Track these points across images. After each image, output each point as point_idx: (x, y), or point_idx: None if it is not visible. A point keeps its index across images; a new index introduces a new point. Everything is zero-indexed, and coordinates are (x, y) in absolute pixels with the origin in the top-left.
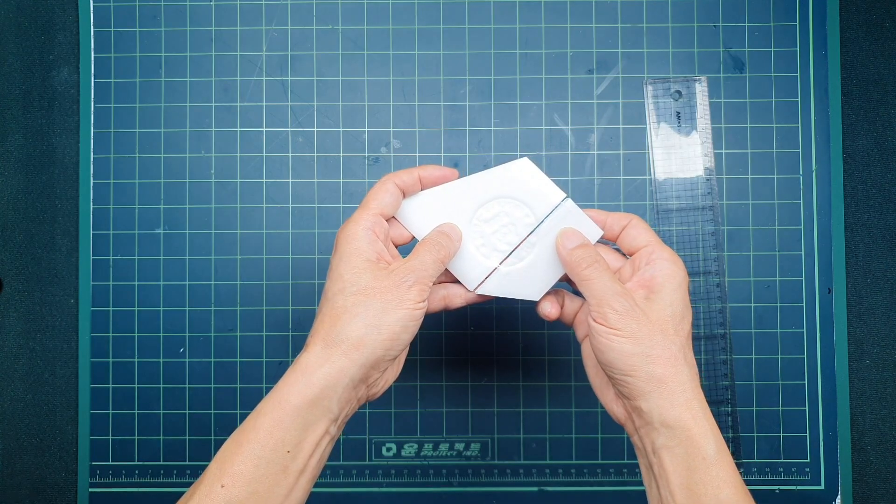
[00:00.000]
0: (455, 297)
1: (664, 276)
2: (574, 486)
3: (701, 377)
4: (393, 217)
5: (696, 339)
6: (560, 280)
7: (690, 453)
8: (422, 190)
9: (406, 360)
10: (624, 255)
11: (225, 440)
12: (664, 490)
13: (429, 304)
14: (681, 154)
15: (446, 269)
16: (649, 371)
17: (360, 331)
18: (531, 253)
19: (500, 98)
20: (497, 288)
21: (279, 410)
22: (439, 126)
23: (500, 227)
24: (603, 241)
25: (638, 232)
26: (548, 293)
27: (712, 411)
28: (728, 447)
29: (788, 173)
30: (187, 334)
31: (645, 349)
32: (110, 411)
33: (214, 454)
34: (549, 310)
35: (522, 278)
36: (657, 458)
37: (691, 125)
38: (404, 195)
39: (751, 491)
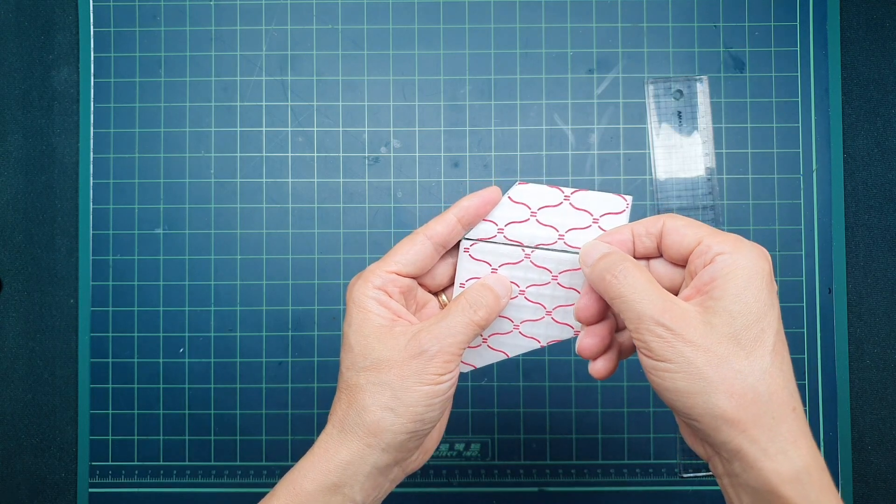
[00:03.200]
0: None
1: (727, 270)
2: (574, 487)
3: None
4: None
5: None
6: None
7: None
8: (464, 233)
9: None
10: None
11: (224, 441)
12: None
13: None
14: (682, 154)
15: None
16: (715, 412)
17: (375, 415)
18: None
19: (500, 98)
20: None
21: (293, 496)
22: (439, 126)
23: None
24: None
25: (680, 233)
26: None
27: None
28: None
29: (789, 173)
30: (187, 334)
31: (706, 386)
32: (110, 411)
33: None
34: (599, 367)
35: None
36: None
37: (692, 125)
38: (444, 248)
39: None
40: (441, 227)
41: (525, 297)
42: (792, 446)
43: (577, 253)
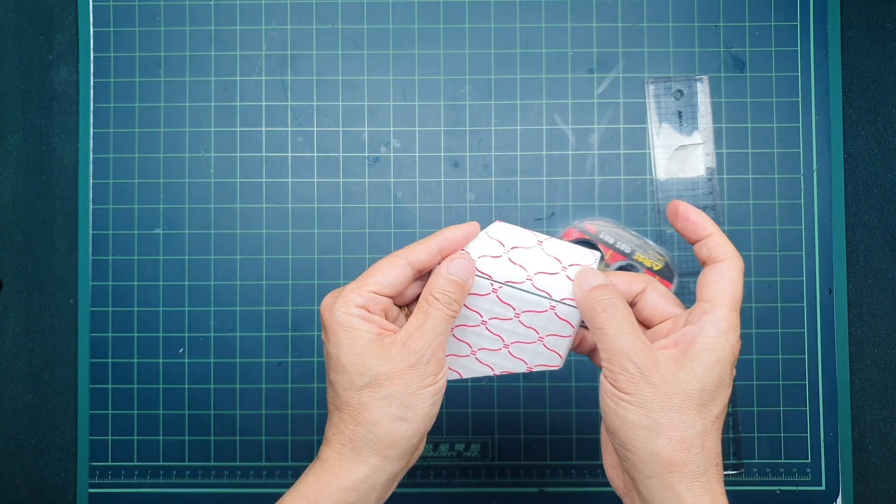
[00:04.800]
0: None
1: (707, 342)
2: (574, 487)
3: None
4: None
5: None
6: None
7: None
8: (442, 261)
9: None
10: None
11: (224, 441)
12: None
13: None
14: (682, 153)
15: None
16: (653, 451)
17: (388, 427)
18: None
19: (500, 98)
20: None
21: None
22: (439, 126)
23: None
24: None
25: (726, 281)
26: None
27: None
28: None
29: (789, 173)
30: (186, 334)
31: (653, 423)
32: (109, 412)
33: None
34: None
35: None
36: None
37: (693, 125)
38: (420, 274)
39: (752, 492)
40: (423, 254)
41: (486, 328)
42: (708, 493)
43: (542, 296)
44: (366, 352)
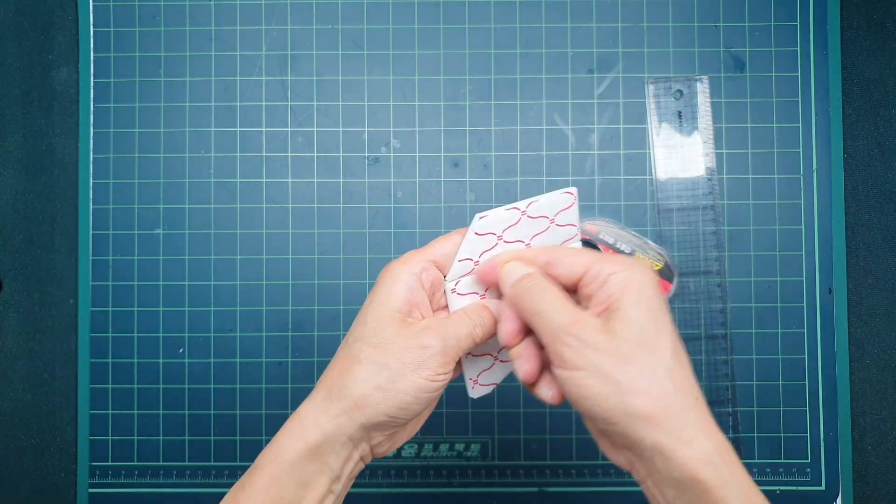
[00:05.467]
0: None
1: (621, 285)
2: (574, 487)
3: (701, 377)
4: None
5: (696, 339)
6: None
7: None
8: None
9: None
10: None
11: (224, 441)
12: None
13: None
14: (682, 154)
15: None
16: (630, 411)
17: (366, 389)
18: None
19: (500, 98)
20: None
21: (275, 465)
22: (439, 126)
23: None
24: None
25: (566, 262)
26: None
27: (713, 412)
28: (756, 489)
29: (789, 173)
30: (187, 334)
31: (616, 386)
32: (110, 412)
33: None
34: (547, 394)
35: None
36: None
37: (693, 125)
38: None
39: None
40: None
41: None
42: (701, 433)
43: None
44: (388, 316)
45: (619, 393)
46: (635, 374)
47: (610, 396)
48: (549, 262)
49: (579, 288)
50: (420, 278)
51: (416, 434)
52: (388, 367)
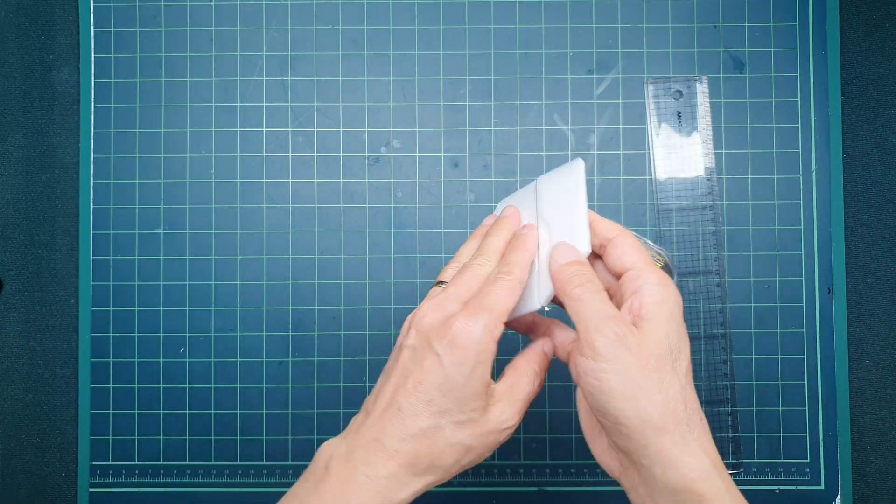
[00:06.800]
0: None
1: (654, 302)
2: (574, 486)
3: (701, 377)
4: None
5: (696, 339)
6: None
7: None
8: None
9: None
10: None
11: (224, 441)
12: None
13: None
14: (681, 154)
15: None
16: (643, 417)
17: (454, 467)
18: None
19: (500, 98)
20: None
21: None
22: (439, 126)
23: None
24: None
25: (624, 251)
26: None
27: (712, 411)
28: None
29: (788, 173)
30: (187, 334)
31: (636, 389)
32: (110, 411)
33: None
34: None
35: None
36: None
37: (692, 125)
38: None
39: (751, 491)
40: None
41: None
42: (701, 449)
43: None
44: (479, 392)
45: (636, 396)
46: (656, 383)
47: (629, 397)
48: (612, 241)
49: (621, 284)
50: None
51: None
52: (474, 450)
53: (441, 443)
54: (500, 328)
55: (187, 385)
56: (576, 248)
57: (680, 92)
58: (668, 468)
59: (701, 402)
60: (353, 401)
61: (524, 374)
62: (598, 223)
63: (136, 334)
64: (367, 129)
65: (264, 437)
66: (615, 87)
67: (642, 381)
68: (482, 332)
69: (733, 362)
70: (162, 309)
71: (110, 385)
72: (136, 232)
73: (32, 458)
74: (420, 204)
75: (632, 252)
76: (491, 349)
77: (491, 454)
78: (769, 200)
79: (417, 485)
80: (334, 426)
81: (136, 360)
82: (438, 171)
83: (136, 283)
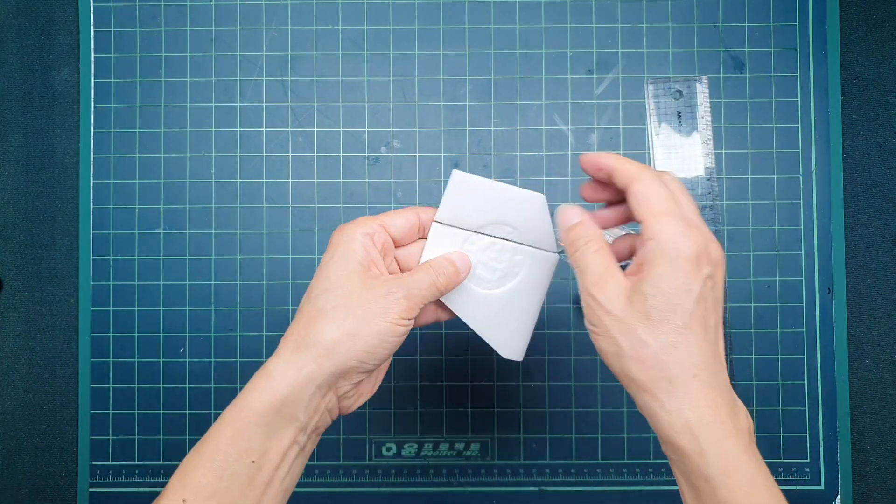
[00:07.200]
0: (445, 311)
1: (651, 257)
2: (574, 486)
3: None
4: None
5: None
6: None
7: (691, 471)
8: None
9: (406, 360)
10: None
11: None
12: None
13: (420, 318)
14: (681, 154)
15: None
16: (626, 373)
17: (335, 336)
18: (511, 281)
19: (500, 98)
20: (473, 317)
21: (241, 418)
22: (439, 126)
23: (489, 258)
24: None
25: (639, 198)
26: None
27: None
28: (745, 466)
29: (788, 173)
30: (187, 334)
31: (618, 349)
32: (110, 411)
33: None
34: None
35: (500, 314)
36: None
37: (692, 125)
38: (423, 230)
39: None
40: (430, 213)
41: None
42: (687, 404)
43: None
44: (351, 269)
45: (619, 356)
46: (635, 342)
47: (614, 356)
48: (631, 184)
49: (636, 238)
50: (373, 239)
51: (416, 434)
52: (356, 314)
53: (318, 314)
54: (373, 227)
55: (187, 385)
56: (576, 208)
57: (680, 92)
58: (651, 420)
59: None
60: None
61: (426, 267)
62: (619, 168)
63: (136, 334)
64: (367, 129)
65: None
66: (615, 87)
67: (622, 341)
68: (352, 227)
69: (733, 362)
70: (162, 309)
71: (110, 385)
72: (136, 232)
73: (32, 458)
74: (420, 204)
75: (646, 201)
76: (359, 239)
77: (389, 333)
78: (769, 200)
79: (303, 360)
80: (334, 425)
81: (136, 360)
82: (438, 171)
83: (136, 283)
